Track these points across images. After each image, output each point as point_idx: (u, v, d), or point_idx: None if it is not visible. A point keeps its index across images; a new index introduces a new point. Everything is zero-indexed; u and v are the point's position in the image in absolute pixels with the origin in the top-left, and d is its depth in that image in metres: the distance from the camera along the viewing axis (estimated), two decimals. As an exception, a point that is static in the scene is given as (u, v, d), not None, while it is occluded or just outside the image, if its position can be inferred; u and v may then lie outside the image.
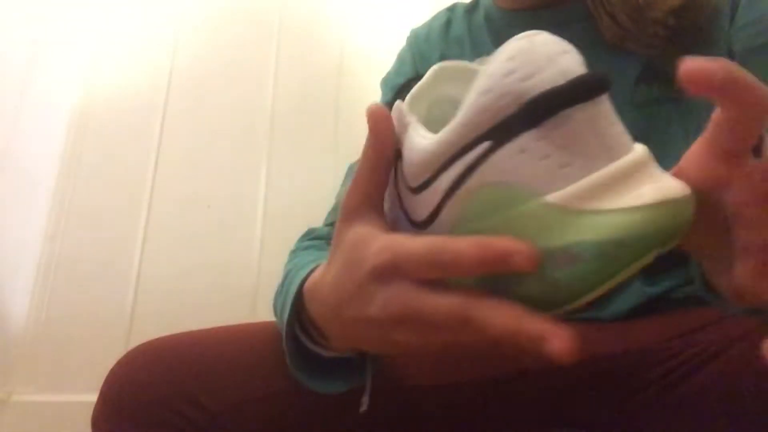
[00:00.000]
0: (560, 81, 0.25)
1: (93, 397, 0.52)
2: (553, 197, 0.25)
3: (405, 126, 0.32)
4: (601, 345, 0.50)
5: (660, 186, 0.24)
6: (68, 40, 1.52)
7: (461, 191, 0.28)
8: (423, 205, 0.31)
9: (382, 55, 0.90)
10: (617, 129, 0.26)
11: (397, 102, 0.33)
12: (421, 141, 0.30)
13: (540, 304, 0.25)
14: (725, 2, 0.52)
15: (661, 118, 0.50)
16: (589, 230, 0.24)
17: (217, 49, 1.49)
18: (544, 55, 0.25)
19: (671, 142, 0.47)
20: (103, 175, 1.42)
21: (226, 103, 1.43)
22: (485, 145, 0.26)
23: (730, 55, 0.50)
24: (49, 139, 1.45)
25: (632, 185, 0.24)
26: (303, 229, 0.62)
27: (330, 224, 0.63)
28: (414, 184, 0.31)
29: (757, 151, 0.25)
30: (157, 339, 0.54)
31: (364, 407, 0.44)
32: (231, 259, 1.31)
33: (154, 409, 0.49)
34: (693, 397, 0.44)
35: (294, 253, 0.56)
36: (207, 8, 1.54)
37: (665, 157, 0.28)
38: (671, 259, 0.54)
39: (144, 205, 1.37)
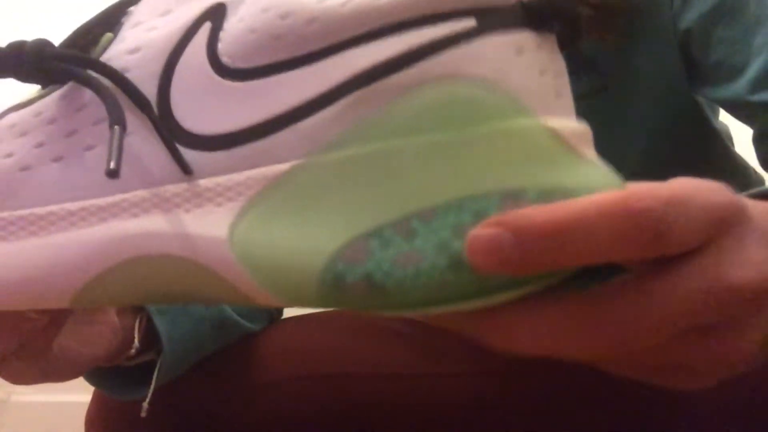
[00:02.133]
0: None
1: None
2: (557, 124, 0.18)
3: None
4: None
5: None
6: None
7: (390, 82, 0.18)
8: (249, 102, 0.19)
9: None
10: None
11: None
12: (301, 5, 0.19)
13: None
14: None
15: (588, 113, 0.47)
16: (601, 180, 0.18)
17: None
18: None
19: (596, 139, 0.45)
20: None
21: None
22: (467, 22, 0.18)
23: (680, 36, 0.47)
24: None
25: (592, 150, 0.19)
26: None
27: None
28: (246, 62, 0.19)
29: None
30: None
31: (143, 413, 0.41)
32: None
33: (148, 406, 0.49)
34: (685, 396, 0.44)
35: None
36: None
37: None
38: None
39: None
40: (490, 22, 0.18)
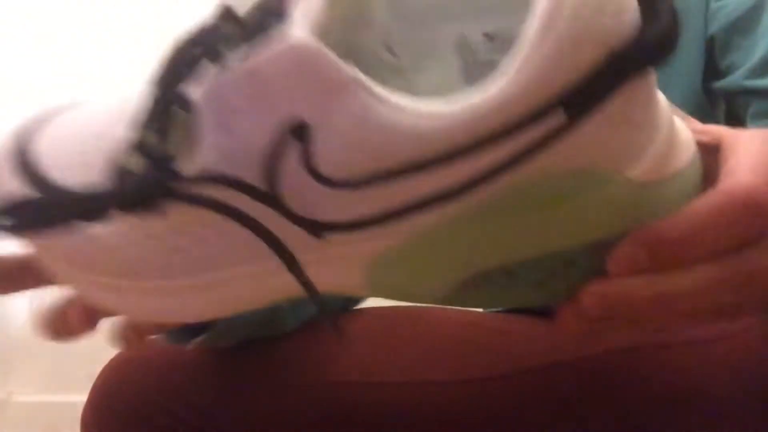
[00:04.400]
0: (634, 23, 0.18)
1: (92, 398, 0.52)
2: (634, 171, 0.20)
3: (335, 87, 0.18)
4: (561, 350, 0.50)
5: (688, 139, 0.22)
6: (68, 40, 1.52)
7: (494, 185, 0.19)
8: (355, 203, 0.20)
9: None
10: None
11: (296, 44, 0.18)
12: (401, 119, 0.18)
13: None
14: None
15: None
16: (676, 194, 0.21)
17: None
18: None
19: None
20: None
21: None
22: (558, 117, 0.18)
23: (707, 42, 0.55)
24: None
25: (675, 144, 0.22)
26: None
27: None
28: (346, 176, 0.19)
29: None
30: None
31: (190, 347, 0.46)
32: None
33: (143, 409, 0.49)
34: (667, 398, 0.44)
35: None
36: (207, 9, 1.54)
37: None
38: None
39: (144, 206, 1.37)
40: (578, 107, 0.18)
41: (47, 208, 0.22)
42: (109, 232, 0.22)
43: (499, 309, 0.58)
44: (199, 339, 0.46)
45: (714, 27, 0.54)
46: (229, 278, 0.23)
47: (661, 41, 0.18)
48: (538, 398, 0.49)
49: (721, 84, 0.54)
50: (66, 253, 0.24)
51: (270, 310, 0.49)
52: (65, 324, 0.30)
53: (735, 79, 0.52)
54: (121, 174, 0.20)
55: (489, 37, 0.24)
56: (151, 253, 0.22)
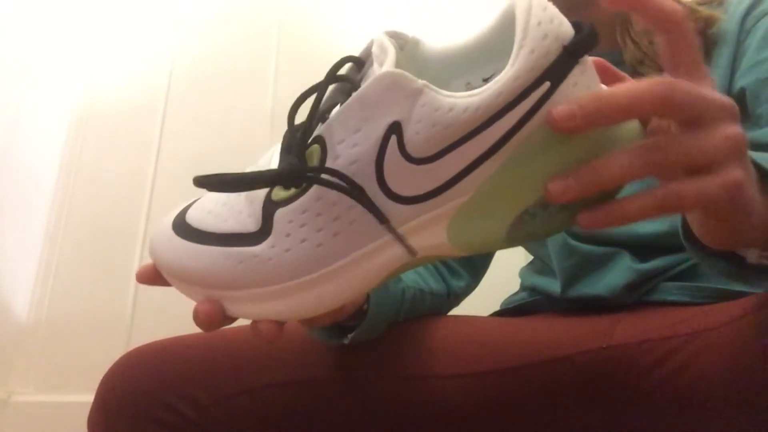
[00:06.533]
0: (570, 27, 0.30)
1: (93, 398, 0.52)
2: None
3: (414, 92, 0.30)
4: (583, 342, 0.50)
5: None
6: (68, 40, 1.52)
7: (517, 137, 0.30)
8: (436, 173, 0.31)
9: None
10: None
11: (388, 71, 0.30)
12: (456, 101, 0.30)
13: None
14: (731, 43, 0.63)
15: None
16: (638, 131, 0.33)
17: (216, 50, 1.49)
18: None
19: None
20: (103, 175, 1.42)
21: (226, 104, 1.43)
22: (545, 86, 0.29)
23: (729, 88, 0.61)
24: (49, 139, 1.45)
25: None
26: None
27: None
28: (428, 152, 0.30)
29: None
30: (151, 343, 0.55)
31: (346, 341, 0.52)
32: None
33: (148, 407, 0.50)
34: (668, 396, 0.44)
35: None
36: (207, 9, 1.54)
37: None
38: (659, 239, 0.56)
39: (144, 206, 1.37)
40: (556, 77, 0.29)
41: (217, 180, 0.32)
42: (266, 247, 0.32)
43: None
44: (351, 334, 0.51)
45: (746, 78, 0.60)
46: (351, 261, 0.33)
47: (588, 41, 0.30)
48: (540, 389, 0.50)
49: (754, 136, 0.57)
50: (231, 279, 0.33)
51: (396, 308, 0.57)
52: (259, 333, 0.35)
53: (763, 132, 0.56)
54: (280, 164, 0.33)
55: (486, 80, 0.35)
56: (302, 252, 0.32)
